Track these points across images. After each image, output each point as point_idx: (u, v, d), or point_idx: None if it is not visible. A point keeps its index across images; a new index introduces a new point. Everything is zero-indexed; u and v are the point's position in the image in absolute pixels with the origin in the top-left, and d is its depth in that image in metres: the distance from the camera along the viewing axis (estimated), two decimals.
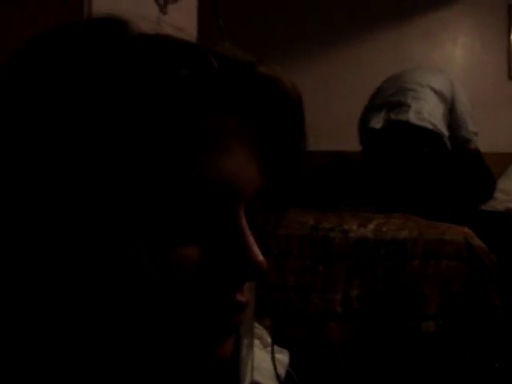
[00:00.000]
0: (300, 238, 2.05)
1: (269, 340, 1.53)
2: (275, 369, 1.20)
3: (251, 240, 0.40)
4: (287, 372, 1.58)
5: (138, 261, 0.37)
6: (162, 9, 1.43)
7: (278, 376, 1.24)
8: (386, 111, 2.82)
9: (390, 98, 2.85)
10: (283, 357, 1.60)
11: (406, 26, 3.94)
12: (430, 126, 2.71)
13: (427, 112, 2.74)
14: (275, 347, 1.57)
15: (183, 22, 1.54)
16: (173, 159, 0.38)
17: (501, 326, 1.97)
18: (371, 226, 2.06)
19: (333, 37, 4.02)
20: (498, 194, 3.60)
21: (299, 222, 2.11)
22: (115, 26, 0.41)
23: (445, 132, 2.76)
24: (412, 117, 2.70)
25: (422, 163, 2.69)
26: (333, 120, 3.93)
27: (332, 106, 3.96)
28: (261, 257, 0.40)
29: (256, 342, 1.50)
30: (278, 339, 1.72)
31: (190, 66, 0.38)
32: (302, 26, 3.99)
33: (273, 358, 1.21)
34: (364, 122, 2.99)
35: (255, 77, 0.42)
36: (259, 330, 1.62)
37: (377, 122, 2.81)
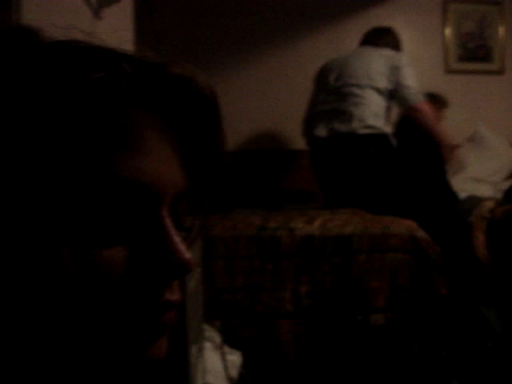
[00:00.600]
0: (247, 238, 2.04)
1: (220, 342, 1.52)
2: (226, 370, 1.20)
3: (176, 239, 0.41)
4: (240, 373, 1.58)
5: (58, 262, 0.37)
6: (97, 13, 1.41)
7: (229, 377, 1.23)
8: (328, 119, 2.85)
9: (331, 103, 2.87)
10: (235, 358, 1.60)
11: (344, 22, 4.00)
12: (374, 131, 2.78)
13: (371, 117, 2.79)
14: (227, 349, 1.57)
15: (119, 25, 1.52)
16: (89, 161, 0.38)
17: (448, 315, 2.02)
18: (317, 223, 2.07)
19: (270, 37, 4.04)
20: None
21: (246, 223, 2.11)
22: (25, 34, 0.41)
23: (388, 130, 2.83)
24: (356, 126, 2.76)
25: (370, 162, 2.74)
26: (275, 119, 3.96)
27: (273, 105, 3.99)
28: (187, 255, 0.41)
29: (207, 344, 1.50)
30: (230, 341, 1.72)
31: (101, 69, 0.39)
32: (239, 26, 4.00)
33: (223, 360, 1.20)
34: (308, 127, 3.02)
35: (168, 76, 0.42)
36: (210, 332, 1.61)
37: (321, 130, 2.85)
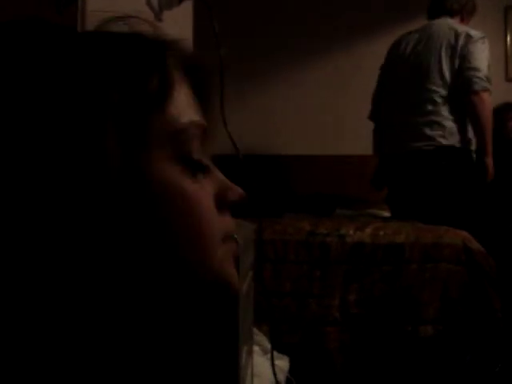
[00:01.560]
0: (296, 243, 2.04)
1: (268, 346, 1.52)
2: (275, 375, 1.20)
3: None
4: (287, 378, 1.57)
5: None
6: (157, 16, 1.43)
7: (277, 382, 1.23)
8: (402, 134, 2.73)
9: (406, 115, 2.74)
10: (283, 363, 1.59)
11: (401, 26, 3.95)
12: (452, 144, 2.66)
13: (445, 134, 2.66)
14: (275, 353, 1.57)
15: (179, 28, 1.54)
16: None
17: (501, 329, 1.96)
18: (368, 231, 2.05)
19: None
20: None
21: (295, 228, 2.10)
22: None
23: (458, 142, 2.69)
24: (437, 141, 2.64)
25: (440, 176, 2.64)
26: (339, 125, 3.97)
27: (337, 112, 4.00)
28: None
29: (255, 348, 1.49)
30: (277, 346, 1.71)
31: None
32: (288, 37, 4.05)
33: (272, 365, 1.20)
34: (379, 139, 2.92)
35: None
36: (258, 336, 1.61)
37: (394, 147, 2.77)
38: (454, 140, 2.63)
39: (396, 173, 2.77)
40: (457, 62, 2.65)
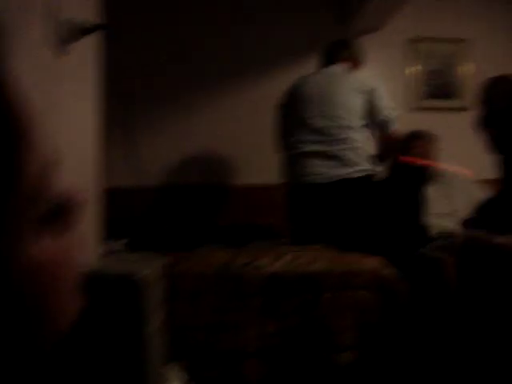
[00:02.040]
0: (212, 275, 2.01)
1: (187, 381, 1.48)
2: None
3: None
4: None
5: None
6: (62, 49, 1.38)
7: None
8: (319, 163, 2.80)
9: (318, 145, 2.82)
10: None
11: (303, 57, 4.05)
12: (365, 173, 2.79)
13: (361, 159, 2.81)
14: None
15: (85, 60, 1.50)
16: None
17: (415, 353, 2.00)
18: (283, 261, 2.05)
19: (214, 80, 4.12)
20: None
21: (212, 260, 2.08)
22: None
23: (372, 167, 2.86)
24: (351, 170, 2.76)
25: (354, 202, 2.75)
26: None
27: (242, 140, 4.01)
28: None
29: None
30: (198, 380, 1.67)
31: None
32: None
33: None
34: (292, 168, 2.93)
35: None
36: (177, 371, 1.57)
37: (313, 176, 2.79)
38: (362, 168, 2.77)
39: (308, 201, 2.82)
40: (366, 106, 2.87)
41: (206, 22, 4.10)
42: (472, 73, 4.46)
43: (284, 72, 4.06)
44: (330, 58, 3.13)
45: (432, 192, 3.97)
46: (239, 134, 4.09)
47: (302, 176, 2.83)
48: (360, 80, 2.92)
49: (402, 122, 4.19)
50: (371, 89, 2.89)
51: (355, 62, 3.12)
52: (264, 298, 2.00)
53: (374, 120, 2.90)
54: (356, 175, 2.75)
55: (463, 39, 4.48)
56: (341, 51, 3.11)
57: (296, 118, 2.96)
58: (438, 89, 4.45)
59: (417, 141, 3.52)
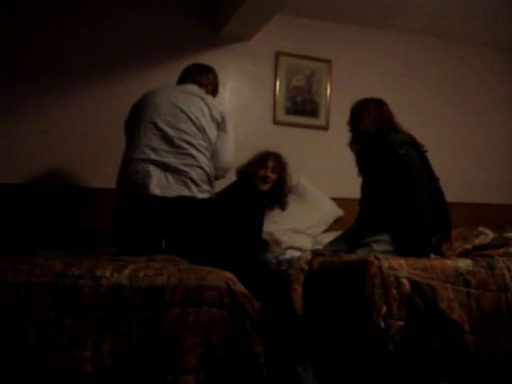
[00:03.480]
0: (43, 286, 1.76)
1: None
2: None
3: None
4: None
5: None
6: None
7: None
8: (163, 175, 2.63)
9: (167, 155, 2.65)
10: None
11: (175, 63, 3.88)
12: (207, 196, 2.75)
13: (206, 180, 2.73)
14: None
15: None
16: None
17: (263, 375, 1.88)
18: (127, 272, 1.85)
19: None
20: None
21: (44, 268, 1.82)
22: None
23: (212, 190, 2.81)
24: (195, 191, 2.66)
25: (197, 219, 2.68)
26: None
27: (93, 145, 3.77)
28: None
29: None
30: None
31: None
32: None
33: None
34: (131, 177, 2.68)
35: None
36: None
37: (155, 188, 2.60)
38: (203, 189, 2.72)
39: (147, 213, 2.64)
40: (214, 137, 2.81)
41: (53, 22, 3.83)
42: (331, 93, 4.54)
43: (140, 74, 3.88)
44: (187, 77, 3.03)
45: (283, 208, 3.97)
46: (92, 136, 3.86)
47: (141, 185, 2.63)
48: (216, 108, 2.82)
49: (267, 134, 4.19)
50: (222, 122, 2.82)
51: (212, 90, 3.06)
52: (102, 313, 1.78)
53: (214, 160, 2.82)
54: (199, 196, 2.68)
55: (326, 59, 4.55)
56: (202, 74, 3.03)
57: (140, 121, 2.75)
58: (301, 105, 4.47)
59: (271, 159, 3.50)
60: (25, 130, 3.71)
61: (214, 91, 3.08)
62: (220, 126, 2.81)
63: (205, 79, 3.02)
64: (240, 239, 3.07)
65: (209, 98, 2.86)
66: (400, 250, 2.72)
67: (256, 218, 3.23)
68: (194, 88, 2.91)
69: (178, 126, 2.68)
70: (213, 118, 2.78)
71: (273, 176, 3.40)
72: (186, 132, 2.68)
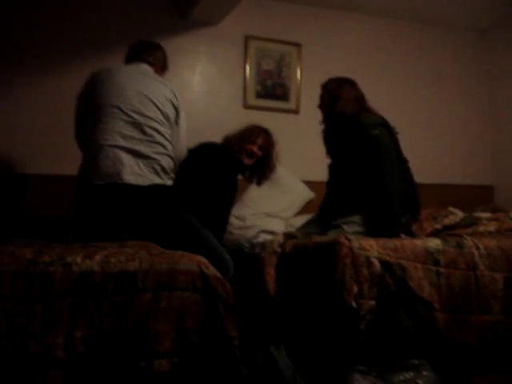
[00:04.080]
0: (14, 274, 1.74)
1: None
2: None
3: None
4: None
5: None
6: None
7: None
8: (135, 162, 2.58)
9: (134, 142, 2.59)
10: None
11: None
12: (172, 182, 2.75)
13: (173, 167, 2.74)
14: None
15: None
16: None
17: (237, 357, 1.89)
18: (98, 258, 1.84)
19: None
20: (232, 220, 3.67)
21: (13, 256, 1.80)
22: None
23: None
24: (165, 178, 2.67)
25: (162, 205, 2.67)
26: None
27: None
28: None
29: None
30: None
31: None
32: None
33: None
34: (97, 160, 2.59)
35: None
36: None
37: (128, 175, 2.55)
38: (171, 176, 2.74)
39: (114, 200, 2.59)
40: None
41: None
42: (301, 77, 4.55)
43: (106, 61, 3.83)
44: (136, 56, 2.94)
45: (256, 192, 3.96)
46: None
47: (113, 173, 2.57)
48: (172, 90, 2.79)
49: (238, 118, 4.18)
50: (178, 105, 2.80)
51: (160, 68, 3.00)
52: (74, 299, 1.77)
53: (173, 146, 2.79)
54: (168, 183, 2.68)
55: (296, 43, 4.55)
56: (151, 52, 2.95)
57: (104, 105, 2.65)
58: (271, 89, 4.47)
59: (261, 136, 3.43)
60: None
61: (162, 69, 3.02)
62: (178, 113, 2.80)
63: (153, 58, 2.94)
64: (209, 206, 3.02)
65: (169, 84, 2.83)
66: (371, 231, 2.75)
67: (229, 188, 3.18)
68: (149, 70, 2.85)
69: (145, 113, 2.63)
70: (174, 107, 2.77)
71: (259, 153, 3.37)
72: (153, 119, 2.64)
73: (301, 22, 4.60)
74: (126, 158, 2.55)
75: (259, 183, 3.47)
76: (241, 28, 4.37)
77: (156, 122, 2.65)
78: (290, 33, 4.53)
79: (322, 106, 3.11)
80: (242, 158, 3.27)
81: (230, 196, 3.14)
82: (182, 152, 2.91)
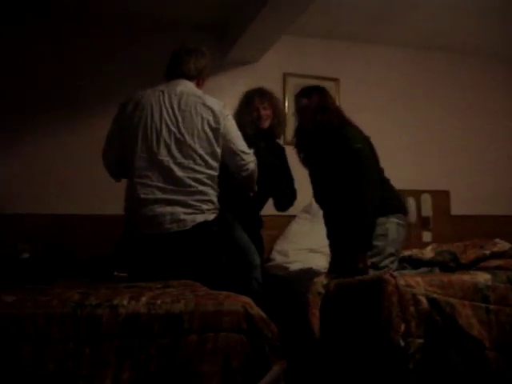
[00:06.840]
0: (61, 317, 1.76)
1: None
2: None
3: None
4: None
5: None
6: None
7: None
8: (173, 211, 2.59)
9: (175, 193, 2.60)
10: None
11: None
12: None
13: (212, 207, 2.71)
14: None
15: None
16: None
17: None
18: (144, 300, 1.85)
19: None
20: (275, 255, 3.66)
21: (61, 299, 1.83)
22: None
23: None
24: (207, 213, 2.66)
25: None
26: None
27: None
28: None
29: None
30: None
31: None
32: None
33: None
34: (140, 215, 2.65)
35: None
36: None
37: (170, 224, 2.59)
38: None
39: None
40: (220, 142, 2.69)
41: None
42: None
43: None
44: (176, 68, 2.79)
45: (299, 226, 3.95)
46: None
47: (156, 224, 2.61)
48: (221, 114, 2.72)
49: None
50: (218, 126, 2.69)
51: (203, 79, 2.85)
52: (120, 341, 1.78)
53: (228, 162, 2.73)
54: (210, 218, 2.67)
55: (333, 78, 4.58)
56: (196, 61, 2.78)
57: (148, 154, 2.63)
58: None
59: (256, 98, 3.45)
60: None
61: (204, 79, 2.87)
62: (218, 135, 2.69)
63: (198, 67, 2.78)
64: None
65: (207, 100, 2.72)
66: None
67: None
68: (188, 87, 2.73)
69: (184, 164, 2.61)
70: (216, 129, 2.67)
71: (267, 111, 3.35)
72: (193, 169, 2.62)
73: (335, 56, 4.63)
74: (167, 209, 2.58)
75: (278, 136, 3.51)
76: (278, 65, 4.43)
77: (196, 171, 2.63)
78: (326, 68, 4.57)
79: (304, 115, 3.12)
80: (260, 125, 3.30)
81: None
82: (246, 150, 2.78)
